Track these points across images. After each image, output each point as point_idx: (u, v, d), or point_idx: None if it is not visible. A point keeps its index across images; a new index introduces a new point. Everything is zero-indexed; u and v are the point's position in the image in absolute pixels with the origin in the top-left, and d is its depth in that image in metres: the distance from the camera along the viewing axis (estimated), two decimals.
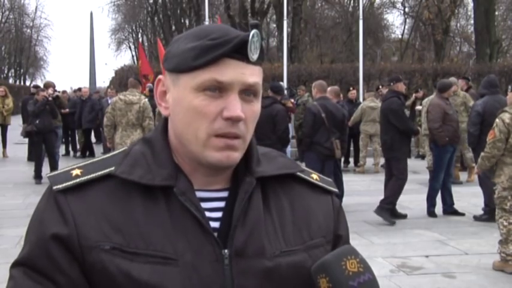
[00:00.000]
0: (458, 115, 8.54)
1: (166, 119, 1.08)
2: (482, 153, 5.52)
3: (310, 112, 7.38)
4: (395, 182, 7.28)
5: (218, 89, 0.96)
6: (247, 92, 0.98)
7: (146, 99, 8.08)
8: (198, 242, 0.97)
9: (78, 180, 0.99)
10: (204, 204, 0.99)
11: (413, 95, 13.40)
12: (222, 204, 1.03)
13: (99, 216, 0.96)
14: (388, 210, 7.22)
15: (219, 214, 1.01)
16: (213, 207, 1.01)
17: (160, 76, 1.05)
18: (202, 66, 0.96)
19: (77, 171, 1.01)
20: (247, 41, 0.95)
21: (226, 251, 0.97)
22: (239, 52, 0.95)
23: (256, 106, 1.01)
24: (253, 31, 0.96)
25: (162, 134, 1.05)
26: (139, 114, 7.71)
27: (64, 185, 0.99)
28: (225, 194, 1.04)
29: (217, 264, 0.96)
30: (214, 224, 0.99)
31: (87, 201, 0.98)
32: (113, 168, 1.00)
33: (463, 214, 7.60)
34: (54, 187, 0.99)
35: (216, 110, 0.96)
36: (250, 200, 1.01)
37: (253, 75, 0.98)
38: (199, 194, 1.00)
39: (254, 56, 0.97)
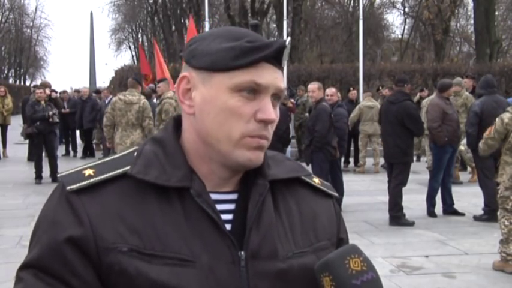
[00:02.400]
0: (458, 115, 8.54)
1: (175, 119, 1.07)
2: (481, 143, 5.59)
3: (325, 112, 7.34)
4: (395, 187, 7.20)
5: (253, 91, 0.97)
6: (276, 96, 1.01)
7: (146, 99, 8.06)
8: (214, 243, 0.97)
9: (91, 180, 0.97)
10: (216, 206, 1.00)
11: (418, 94, 13.42)
12: (232, 206, 1.03)
13: (114, 217, 0.95)
14: (401, 216, 7.18)
15: (229, 216, 1.01)
16: (224, 209, 1.01)
17: (184, 73, 1.03)
18: (242, 67, 0.96)
19: (89, 171, 0.99)
20: (285, 47, 0.98)
21: (242, 253, 0.98)
22: (275, 57, 0.98)
23: (278, 111, 1.03)
24: (288, 39, 0.99)
25: (173, 134, 1.04)
26: (139, 114, 7.70)
27: (77, 185, 0.97)
28: (234, 196, 1.04)
29: (233, 266, 0.97)
30: (227, 226, 0.99)
31: (102, 201, 0.96)
32: (127, 168, 0.98)
33: (463, 214, 7.60)
34: (68, 187, 0.97)
35: (250, 112, 0.97)
36: (263, 202, 1.02)
37: (282, 80, 1.01)
38: (211, 196, 1.00)
39: (285, 61, 1.00)
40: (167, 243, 0.95)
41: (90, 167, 1.01)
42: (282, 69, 1.01)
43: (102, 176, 0.98)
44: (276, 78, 0.99)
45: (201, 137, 1.01)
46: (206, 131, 0.99)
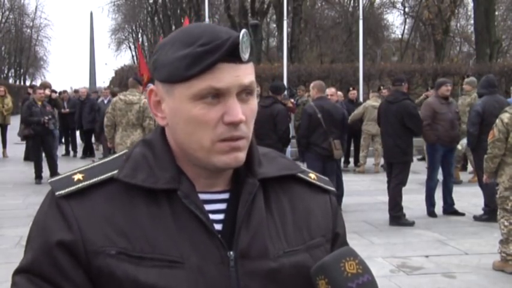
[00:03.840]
0: (462, 115, 8.52)
1: None
2: (485, 156, 5.53)
3: (305, 113, 7.36)
4: (395, 187, 7.18)
5: (216, 95, 0.95)
6: (245, 91, 0.98)
7: (146, 99, 8.04)
8: (203, 244, 0.97)
9: (80, 185, 0.98)
10: (206, 207, 0.99)
11: (424, 93, 13.44)
12: (223, 206, 1.03)
13: (103, 221, 0.96)
14: (401, 216, 7.17)
15: (221, 216, 1.01)
16: (214, 209, 1.01)
17: (152, 86, 1.03)
18: (196, 75, 0.94)
19: (78, 176, 1.00)
20: (239, 42, 0.93)
21: (231, 253, 0.98)
22: (231, 55, 0.94)
23: (253, 103, 1.00)
24: (242, 31, 0.95)
25: (162, 136, 1.04)
26: (140, 114, 7.67)
27: (66, 190, 0.98)
28: (226, 195, 1.04)
29: (222, 267, 0.97)
30: (217, 226, 1.00)
31: (91, 206, 0.97)
32: (115, 172, 0.99)
33: (463, 214, 7.59)
34: (57, 193, 0.98)
35: (216, 117, 0.95)
36: (253, 201, 1.02)
37: (247, 74, 0.97)
38: (201, 196, 1.00)
39: (246, 55, 0.96)
40: (156, 245, 0.95)
41: (80, 172, 1.01)
42: (248, 61, 0.97)
43: (91, 181, 0.99)
44: (237, 76, 0.95)
45: (178, 145, 1.01)
46: (181, 141, 1.00)
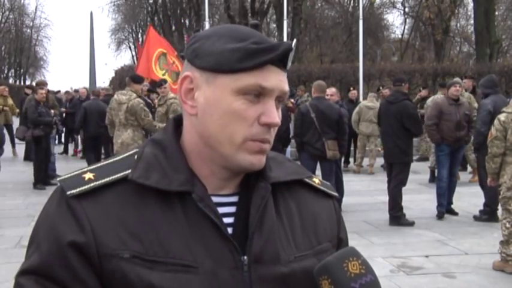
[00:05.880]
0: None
1: (175, 120, 1.06)
2: (486, 157, 5.53)
3: (299, 112, 7.47)
4: (395, 187, 7.19)
5: (257, 95, 0.96)
6: (280, 98, 0.99)
7: (136, 99, 7.64)
8: (217, 249, 0.95)
9: (92, 184, 0.95)
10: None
11: (418, 94, 13.44)
12: (232, 209, 1.01)
13: (115, 223, 0.93)
14: (401, 215, 7.17)
15: (230, 219, 1.00)
16: (224, 212, 1.00)
17: (187, 73, 1.00)
18: (247, 70, 0.94)
19: (89, 175, 0.97)
20: (291, 49, 0.96)
21: (245, 257, 0.96)
22: (281, 60, 0.96)
23: (280, 112, 1.02)
24: (294, 41, 0.99)
25: (173, 135, 1.02)
26: (127, 114, 7.56)
27: (78, 190, 0.94)
28: (234, 198, 1.03)
29: (236, 272, 0.96)
30: (228, 230, 0.98)
31: (103, 207, 0.94)
32: (127, 172, 0.96)
33: (456, 213, 7.60)
34: (68, 192, 0.94)
35: (254, 115, 0.96)
36: (265, 205, 1.01)
37: (286, 82, 0.99)
38: (212, 199, 0.99)
39: (289, 64, 0.99)
40: (169, 249, 0.93)
41: (90, 171, 0.98)
42: (286, 72, 0.99)
43: (103, 180, 0.96)
44: (280, 80, 0.97)
45: (202, 138, 0.99)
46: (208, 133, 0.98)
